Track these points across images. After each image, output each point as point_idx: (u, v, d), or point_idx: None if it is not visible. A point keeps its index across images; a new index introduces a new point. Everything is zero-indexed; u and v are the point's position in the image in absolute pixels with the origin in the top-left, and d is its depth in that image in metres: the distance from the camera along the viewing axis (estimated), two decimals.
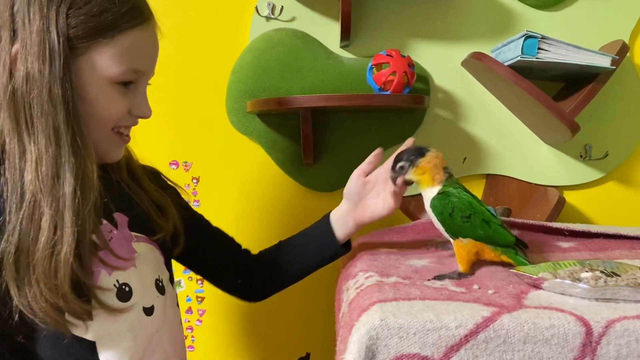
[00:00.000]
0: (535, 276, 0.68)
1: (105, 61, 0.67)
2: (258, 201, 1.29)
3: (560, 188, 1.28)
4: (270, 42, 1.22)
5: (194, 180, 1.28)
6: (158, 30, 0.74)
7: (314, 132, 1.22)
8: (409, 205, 1.23)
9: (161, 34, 0.74)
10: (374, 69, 1.16)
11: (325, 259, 0.93)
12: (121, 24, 0.67)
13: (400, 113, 1.26)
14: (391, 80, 1.14)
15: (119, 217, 0.74)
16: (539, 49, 1.08)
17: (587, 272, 0.69)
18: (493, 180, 1.29)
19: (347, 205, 0.91)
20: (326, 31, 1.25)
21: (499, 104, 1.26)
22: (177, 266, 0.87)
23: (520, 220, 1.05)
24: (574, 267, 0.72)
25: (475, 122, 1.27)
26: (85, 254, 0.65)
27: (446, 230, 0.80)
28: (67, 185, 0.64)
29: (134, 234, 0.75)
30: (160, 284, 0.78)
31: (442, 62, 1.25)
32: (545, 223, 1.06)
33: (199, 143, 1.28)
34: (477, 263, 0.80)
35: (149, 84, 0.76)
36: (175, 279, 0.86)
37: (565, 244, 0.96)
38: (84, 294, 0.66)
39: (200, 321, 1.31)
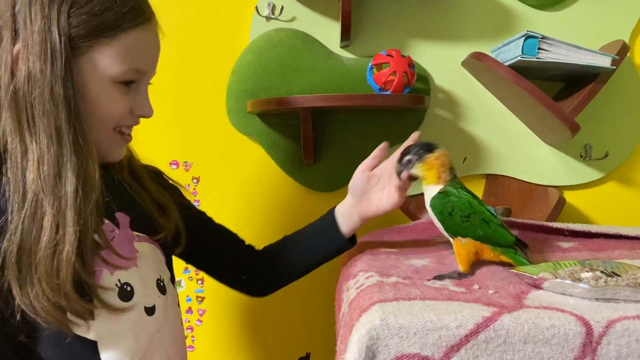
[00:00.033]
0: (535, 276, 0.68)
1: (106, 60, 0.67)
2: (258, 201, 1.29)
3: (560, 188, 1.28)
4: (270, 42, 1.22)
5: (194, 180, 1.28)
6: (159, 30, 0.74)
7: (314, 132, 1.22)
8: (409, 205, 1.23)
9: (162, 34, 0.74)
10: (374, 69, 1.16)
11: (331, 254, 0.93)
12: (123, 23, 0.67)
13: (400, 113, 1.26)
14: (391, 80, 1.14)
15: (120, 216, 0.74)
16: (539, 49, 1.08)
17: (587, 272, 0.69)
18: (493, 180, 1.29)
19: (352, 199, 0.91)
20: (326, 31, 1.25)
21: (499, 104, 1.26)
22: (177, 266, 0.87)
23: (520, 220, 1.05)
24: (574, 267, 0.72)
25: (476, 122, 1.27)
26: (87, 253, 0.65)
27: (445, 229, 0.80)
28: (69, 184, 0.64)
29: (135, 233, 0.76)
30: (162, 283, 0.78)
31: (442, 62, 1.25)
32: (545, 223, 1.06)
33: (199, 143, 1.28)
34: (477, 263, 0.80)
35: (150, 84, 0.76)
36: (176, 278, 0.86)
37: (565, 244, 0.96)
38: (86, 293, 0.66)
39: (200, 321, 1.31)
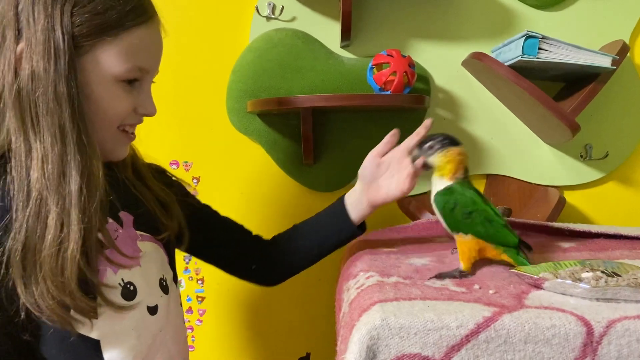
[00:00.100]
0: (536, 276, 0.68)
1: (110, 59, 0.67)
2: (258, 201, 1.29)
3: (560, 188, 1.28)
4: (270, 42, 1.22)
5: (194, 180, 1.28)
6: (162, 29, 0.74)
7: (314, 132, 1.22)
8: (409, 205, 1.23)
9: (165, 33, 0.75)
10: (375, 69, 1.16)
11: (341, 241, 0.93)
12: (125, 22, 0.67)
13: (400, 113, 1.26)
14: (392, 80, 1.14)
15: (124, 215, 0.74)
16: (539, 49, 1.08)
17: (587, 272, 0.69)
18: (493, 180, 1.29)
19: (361, 185, 0.91)
20: (326, 31, 1.25)
21: (499, 104, 1.26)
22: (177, 266, 0.87)
23: (520, 220, 1.05)
24: (575, 267, 0.72)
25: (476, 122, 1.27)
26: (91, 251, 0.65)
27: (447, 225, 0.80)
28: (73, 183, 0.64)
29: (139, 232, 0.76)
30: (164, 283, 0.78)
31: (443, 62, 1.25)
32: (545, 223, 1.06)
33: (200, 143, 1.28)
34: (478, 263, 0.80)
35: (153, 82, 0.76)
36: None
37: (565, 244, 0.96)
38: (90, 292, 0.66)
39: (201, 321, 1.31)
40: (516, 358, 0.57)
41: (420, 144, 0.83)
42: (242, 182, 1.29)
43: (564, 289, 0.66)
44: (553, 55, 1.09)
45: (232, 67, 1.24)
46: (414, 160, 0.84)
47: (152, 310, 0.74)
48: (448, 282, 0.72)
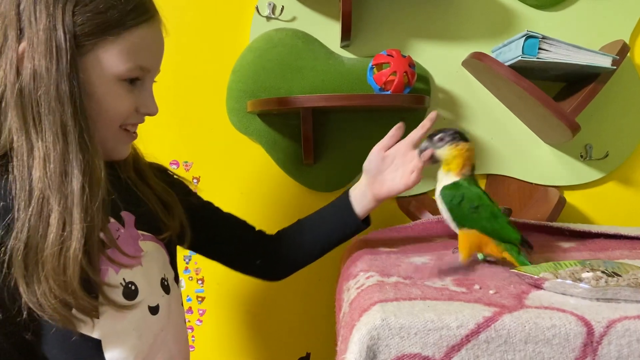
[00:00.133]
0: (536, 276, 0.68)
1: (111, 58, 0.67)
2: (258, 201, 1.29)
3: (560, 188, 1.28)
4: (270, 42, 1.22)
5: (194, 180, 1.28)
6: (163, 28, 0.74)
7: (314, 132, 1.22)
8: (409, 205, 1.23)
9: (166, 32, 0.75)
10: (375, 69, 1.16)
11: (346, 235, 0.93)
12: (127, 21, 0.68)
13: (400, 113, 1.26)
14: (392, 80, 1.14)
15: (126, 215, 0.74)
16: (539, 49, 1.08)
17: (588, 272, 0.69)
18: (493, 180, 1.29)
19: (366, 179, 0.91)
20: (327, 31, 1.25)
21: (500, 104, 1.26)
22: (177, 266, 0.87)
23: (521, 220, 1.05)
24: (575, 267, 0.72)
25: (476, 122, 1.27)
26: (93, 250, 0.65)
27: (453, 219, 0.79)
28: (75, 181, 0.64)
29: (140, 232, 0.76)
30: (166, 283, 0.78)
31: (443, 62, 1.25)
32: (545, 223, 1.06)
33: (200, 143, 1.28)
34: (479, 263, 0.80)
35: (155, 81, 0.76)
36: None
37: (565, 244, 0.96)
38: (92, 291, 0.66)
39: (201, 321, 1.31)
40: (516, 358, 0.57)
41: (430, 136, 0.83)
42: (242, 182, 1.29)
43: (564, 289, 0.66)
44: (553, 55, 1.09)
45: (232, 67, 1.24)
46: (422, 151, 0.83)
47: (154, 310, 0.74)
48: (448, 282, 0.72)
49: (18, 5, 0.64)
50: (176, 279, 0.83)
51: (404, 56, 1.15)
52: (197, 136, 1.28)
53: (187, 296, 1.30)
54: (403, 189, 0.87)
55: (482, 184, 1.29)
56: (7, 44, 0.64)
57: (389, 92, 1.15)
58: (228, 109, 1.26)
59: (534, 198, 1.26)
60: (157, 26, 0.73)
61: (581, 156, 1.26)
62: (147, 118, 0.76)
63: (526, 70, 1.11)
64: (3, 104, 0.65)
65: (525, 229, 1.04)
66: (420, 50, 1.25)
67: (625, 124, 1.26)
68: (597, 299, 0.64)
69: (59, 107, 0.64)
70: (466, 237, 0.77)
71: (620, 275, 0.68)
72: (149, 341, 0.73)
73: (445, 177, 0.81)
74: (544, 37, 1.08)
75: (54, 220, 0.63)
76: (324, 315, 1.27)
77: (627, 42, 1.20)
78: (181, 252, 0.89)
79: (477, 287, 0.69)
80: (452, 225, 0.81)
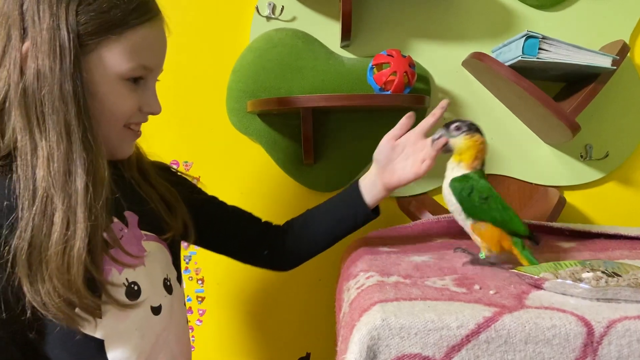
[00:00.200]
0: (536, 276, 0.68)
1: (114, 57, 0.68)
2: (258, 201, 1.29)
3: (560, 188, 1.28)
4: (270, 42, 1.22)
5: (194, 180, 1.28)
6: (166, 27, 0.74)
7: (314, 132, 1.22)
8: (409, 205, 1.23)
9: (169, 31, 0.75)
10: (375, 69, 1.16)
11: (356, 224, 0.93)
12: (130, 20, 0.68)
13: (401, 113, 1.24)
14: (392, 80, 1.14)
15: (129, 215, 0.75)
16: (539, 49, 1.08)
17: (588, 272, 0.69)
18: (493, 180, 1.28)
19: (376, 168, 0.91)
20: (327, 31, 1.25)
21: (500, 104, 1.26)
22: None
23: None
24: (575, 267, 0.73)
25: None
26: (97, 249, 0.65)
27: (464, 210, 0.79)
28: (79, 180, 0.64)
29: (143, 232, 0.76)
30: (168, 283, 0.78)
31: (443, 62, 1.25)
32: (546, 223, 1.06)
33: (200, 143, 1.28)
34: (479, 263, 0.80)
35: (158, 80, 0.76)
36: None
37: (566, 244, 0.96)
38: (95, 290, 0.66)
39: (201, 321, 1.31)
40: (517, 358, 0.57)
41: (447, 124, 0.83)
42: (242, 182, 1.29)
43: (565, 289, 0.66)
44: (553, 55, 1.09)
45: (232, 67, 1.24)
46: (434, 140, 0.83)
47: (156, 310, 0.75)
48: (449, 282, 0.72)
49: (21, 5, 0.64)
50: (179, 278, 0.83)
51: (404, 56, 1.15)
52: (197, 136, 1.28)
53: (187, 296, 1.30)
54: (413, 177, 0.87)
55: None
56: (11, 44, 0.64)
57: (389, 92, 1.15)
58: (228, 109, 1.26)
59: (534, 198, 1.26)
60: (159, 25, 0.73)
61: (581, 156, 1.26)
62: (147, 118, 0.76)
63: (526, 70, 1.11)
64: (7, 104, 0.65)
65: None
66: (420, 50, 1.25)
67: (625, 124, 1.26)
68: (597, 299, 0.64)
69: (62, 106, 0.64)
70: (486, 234, 0.77)
71: (620, 276, 0.68)
72: (151, 341, 0.73)
73: (456, 168, 0.81)
74: (544, 37, 1.08)
75: (57, 219, 0.63)
76: (324, 315, 1.27)
77: (627, 42, 1.20)
78: (181, 252, 0.89)
79: (477, 287, 0.69)
80: (461, 218, 0.80)
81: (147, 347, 0.73)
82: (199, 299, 1.30)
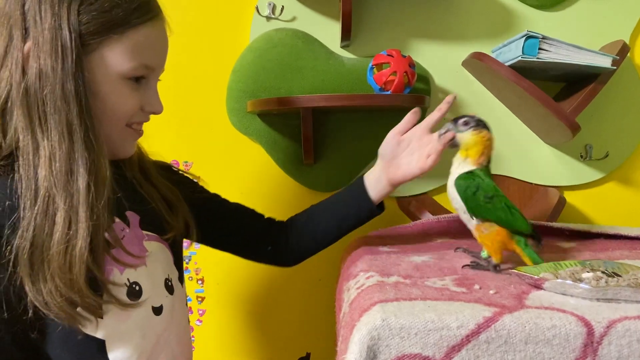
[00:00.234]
0: (536, 276, 0.68)
1: (116, 57, 0.68)
2: (258, 201, 1.28)
3: (560, 188, 1.28)
4: (270, 42, 1.22)
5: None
6: (167, 27, 0.75)
7: (314, 132, 1.22)
8: (409, 205, 1.23)
9: (170, 30, 0.75)
10: (375, 69, 1.16)
11: (361, 220, 0.93)
12: (131, 19, 0.68)
13: (401, 113, 1.24)
14: (392, 80, 1.14)
15: (131, 215, 0.75)
16: (539, 49, 1.08)
17: (588, 272, 0.69)
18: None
19: (381, 164, 0.91)
20: (327, 31, 1.25)
21: (500, 104, 1.26)
22: None
23: None
24: (575, 268, 0.73)
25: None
26: (98, 249, 0.65)
27: (468, 209, 0.79)
28: (81, 180, 0.64)
29: (145, 232, 0.76)
30: (170, 283, 0.78)
31: (443, 62, 1.25)
32: (546, 223, 1.06)
33: (200, 143, 1.28)
34: (479, 268, 0.80)
35: (159, 80, 0.76)
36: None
37: (566, 244, 0.96)
38: (97, 290, 0.66)
39: (201, 321, 1.31)
40: (517, 358, 0.57)
41: (455, 119, 0.82)
42: (242, 182, 1.29)
43: (565, 289, 0.66)
44: (553, 55, 1.09)
45: (232, 67, 1.24)
46: (441, 134, 0.83)
47: (157, 310, 0.75)
48: (449, 282, 0.72)
49: (23, 5, 0.64)
50: (180, 278, 0.83)
51: (404, 56, 1.15)
52: (197, 136, 1.28)
53: (187, 296, 1.30)
54: (419, 172, 0.87)
55: None
56: (13, 44, 0.65)
57: (389, 92, 1.15)
58: (228, 109, 1.26)
59: (534, 198, 1.26)
60: (161, 24, 0.73)
61: (581, 156, 1.26)
62: (149, 117, 0.77)
63: (526, 70, 1.11)
64: (9, 104, 0.65)
65: None
66: (420, 50, 1.25)
67: (625, 124, 1.26)
68: (597, 299, 0.64)
69: (64, 106, 0.64)
70: (487, 238, 0.77)
71: (620, 276, 0.68)
72: (152, 341, 0.73)
73: (463, 164, 0.81)
74: (544, 37, 1.08)
75: (59, 218, 0.63)
76: (324, 315, 1.27)
77: (627, 42, 1.20)
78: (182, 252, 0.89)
79: (477, 287, 0.69)
80: (465, 217, 0.80)
81: (148, 348, 0.73)
82: (199, 299, 1.30)
